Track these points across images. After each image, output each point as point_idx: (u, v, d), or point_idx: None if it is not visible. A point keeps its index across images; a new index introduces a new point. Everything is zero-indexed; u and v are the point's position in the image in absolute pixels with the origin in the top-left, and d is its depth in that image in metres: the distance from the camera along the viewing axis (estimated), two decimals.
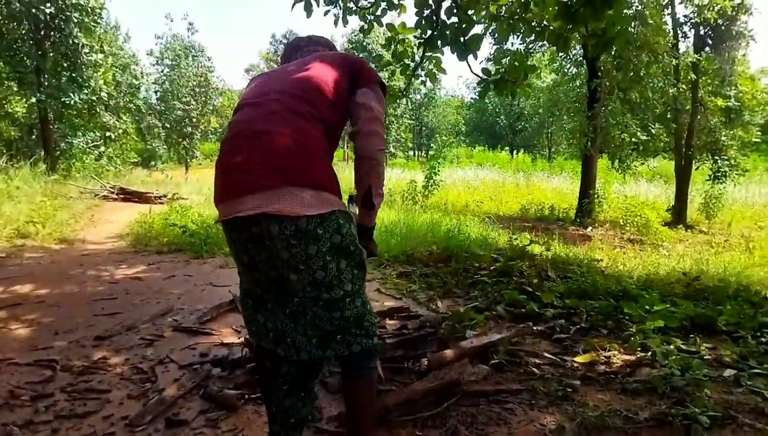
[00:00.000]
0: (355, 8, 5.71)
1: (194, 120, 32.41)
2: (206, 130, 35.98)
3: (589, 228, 12.48)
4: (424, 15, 5.01)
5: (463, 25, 4.93)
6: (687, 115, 13.48)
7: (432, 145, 48.78)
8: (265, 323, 1.62)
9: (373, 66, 1.87)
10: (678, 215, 14.21)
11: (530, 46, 15.01)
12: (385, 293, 4.22)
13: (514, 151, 44.39)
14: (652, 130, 12.97)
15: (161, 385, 2.63)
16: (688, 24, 13.18)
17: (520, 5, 5.51)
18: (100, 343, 3.23)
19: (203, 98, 33.74)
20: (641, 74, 10.82)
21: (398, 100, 6.88)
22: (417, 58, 5.80)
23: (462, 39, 4.98)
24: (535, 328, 3.23)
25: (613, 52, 10.22)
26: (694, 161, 14.24)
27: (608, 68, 11.70)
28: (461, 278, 4.42)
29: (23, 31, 13.59)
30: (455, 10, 4.89)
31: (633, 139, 12.31)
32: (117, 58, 22.13)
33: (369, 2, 5.93)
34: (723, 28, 12.86)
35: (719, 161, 14.06)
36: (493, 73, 5.26)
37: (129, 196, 11.55)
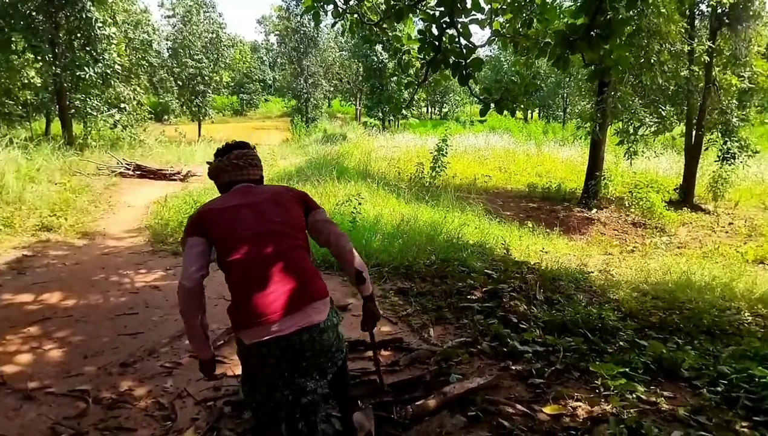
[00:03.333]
0: (361, 22, 5.84)
1: (206, 78, 32.37)
2: (218, 86, 35.86)
3: (594, 210, 12.70)
4: (427, 41, 5.15)
5: (464, 51, 5.08)
6: (699, 95, 13.40)
7: (446, 103, 48.36)
8: (281, 393, 2.07)
9: None
10: (685, 195, 14.33)
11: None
12: (383, 314, 4.57)
13: (529, 113, 43.86)
14: (663, 113, 12.96)
15: (180, 424, 3.03)
16: (705, 3, 12.95)
17: (523, 23, 5.63)
18: (125, 370, 3.63)
19: (215, 55, 33.61)
20: (652, 61, 10.77)
21: (402, 111, 7.08)
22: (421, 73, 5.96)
23: (463, 62, 5.14)
24: (513, 368, 3.58)
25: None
26: (703, 141, 14.24)
27: None
28: (454, 301, 4.76)
29: (37, 4, 13.68)
30: (457, 39, 5.02)
31: (639, 125, 12.33)
32: (129, 14, 21.99)
33: (378, 12, 6.06)
34: (740, 7, 12.61)
35: (729, 142, 14.03)
36: (494, 92, 5.45)
37: (145, 173, 11.91)
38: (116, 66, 15.44)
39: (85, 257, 6.21)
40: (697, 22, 13.66)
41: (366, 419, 2.84)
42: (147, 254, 6.41)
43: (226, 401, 3.23)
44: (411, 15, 5.66)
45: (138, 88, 18.39)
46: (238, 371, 3.65)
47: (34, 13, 14.14)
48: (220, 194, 2.40)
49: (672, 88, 13.11)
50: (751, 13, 12.67)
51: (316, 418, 2.18)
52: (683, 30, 12.05)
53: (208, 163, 2.41)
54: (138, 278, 5.50)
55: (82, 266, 5.88)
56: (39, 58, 14.77)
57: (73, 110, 16.26)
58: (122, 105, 16.85)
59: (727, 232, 11.87)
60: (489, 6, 5.45)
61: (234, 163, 2.31)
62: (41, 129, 22.86)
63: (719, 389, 3.35)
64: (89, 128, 17.03)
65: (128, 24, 20.37)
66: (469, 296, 4.90)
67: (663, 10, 10.22)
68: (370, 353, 3.87)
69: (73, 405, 3.20)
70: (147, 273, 5.66)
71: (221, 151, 2.38)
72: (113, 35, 14.93)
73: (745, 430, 2.93)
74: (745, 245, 9.98)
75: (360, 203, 7.18)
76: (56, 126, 20.45)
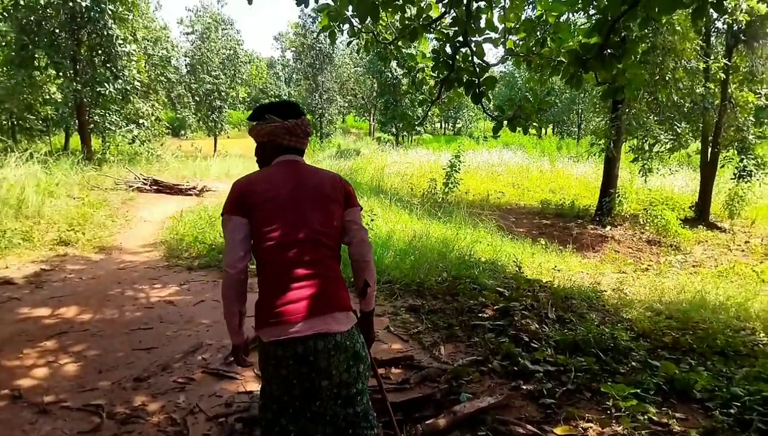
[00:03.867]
0: (376, 41, 5.94)
1: (223, 93, 32.86)
2: (235, 101, 36.38)
3: (608, 227, 12.63)
4: (441, 60, 5.22)
5: (477, 70, 5.14)
6: (715, 112, 13.32)
7: (459, 119, 48.47)
8: (287, 426, 2.03)
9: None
10: (701, 213, 14.18)
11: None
12: (394, 332, 4.60)
13: (542, 129, 43.79)
14: (678, 130, 12.90)
15: None
16: (721, 20, 12.93)
17: (536, 41, 5.67)
18: (138, 385, 3.67)
19: (232, 71, 34.16)
20: (667, 78, 10.76)
21: (415, 128, 7.14)
22: (435, 91, 6.03)
23: (477, 81, 5.20)
24: (524, 387, 3.57)
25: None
26: (719, 159, 14.13)
27: None
28: (465, 319, 4.76)
29: (60, 21, 14.09)
30: (470, 58, 5.08)
31: (654, 142, 12.29)
32: (149, 31, 22.47)
33: (392, 31, 6.16)
34: (757, 24, 12.57)
35: (745, 159, 13.91)
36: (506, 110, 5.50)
37: (161, 188, 12.10)
38: (136, 82, 15.81)
39: (102, 272, 6.31)
40: (712, 39, 13.65)
41: None
42: (162, 268, 6.50)
43: (237, 418, 3.25)
44: (425, 34, 5.74)
45: (156, 104, 18.75)
46: (250, 387, 3.69)
47: (57, 31, 14.57)
48: (257, 154, 2.31)
49: (687, 105, 13.06)
50: (767, 30, 12.61)
51: None
52: (698, 47, 12.04)
53: (268, 117, 2.19)
54: (153, 293, 5.57)
55: (98, 280, 5.98)
56: (61, 74, 15.20)
57: (92, 125, 16.63)
58: (140, 120, 17.20)
59: (743, 250, 11.72)
60: (503, 25, 5.51)
61: (305, 131, 2.21)
62: (60, 144, 23.34)
63: (732, 411, 3.31)
64: (108, 143, 17.40)
65: (148, 41, 20.84)
66: (480, 314, 4.90)
67: (678, 28, 10.23)
68: (381, 371, 3.88)
69: (88, 420, 3.24)
70: (162, 288, 5.74)
71: (280, 111, 2.20)
72: (133, 52, 15.32)
73: None
74: (762, 264, 9.85)
75: (372, 220, 7.23)
76: (75, 141, 20.88)
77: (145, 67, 18.37)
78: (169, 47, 24.21)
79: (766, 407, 3.27)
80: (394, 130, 30.94)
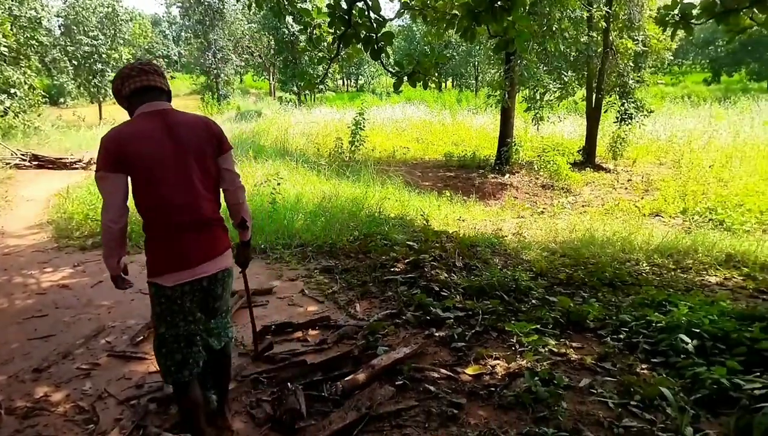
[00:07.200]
0: None
1: (104, 55, 30.36)
2: (118, 64, 33.69)
3: (507, 175, 13.22)
4: (336, 15, 5.10)
5: (374, 25, 5.09)
6: (598, 60, 14.13)
7: (361, 75, 48.07)
8: (192, 345, 2.40)
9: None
10: (588, 156, 15.16)
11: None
12: (309, 294, 4.62)
13: (443, 83, 44.49)
14: (565, 78, 13.59)
15: (103, 426, 2.93)
16: None
17: None
18: (38, 376, 3.45)
19: (112, 31, 31.53)
20: (554, 29, 11.25)
21: (316, 87, 6.99)
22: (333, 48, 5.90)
23: (374, 36, 5.15)
24: (437, 334, 3.74)
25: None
26: (603, 104, 15.09)
27: None
28: (378, 275, 4.86)
29: None
30: (366, 12, 5.01)
31: (544, 91, 12.90)
32: None
33: None
34: None
35: (626, 103, 14.95)
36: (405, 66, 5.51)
37: (43, 163, 11.08)
38: (2, 48, 14.14)
39: None
40: None
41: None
42: (52, 251, 6.04)
43: (150, 399, 3.14)
44: None
45: (28, 71, 16.91)
46: None
47: None
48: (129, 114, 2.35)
49: (573, 54, 13.75)
50: None
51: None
52: None
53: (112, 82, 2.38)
54: (44, 278, 5.18)
55: None
56: None
57: None
58: (12, 90, 15.49)
59: (626, 188, 12.74)
60: None
61: (139, 68, 2.27)
62: None
63: (621, 336, 3.68)
64: None
65: (12, 1, 18.65)
66: (392, 269, 5.02)
67: None
68: (298, 334, 3.91)
69: None
70: (53, 272, 5.35)
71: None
72: None
73: (645, 372, 3.25)
74: (642, 199, 10.78)
75: (279, 184, 7.09)
76: None
77: (11, 30, 16.47)
78: (38, 7, 21.75)
79: (650, 330, 3.66)
80: (295, 89, 30.18)
